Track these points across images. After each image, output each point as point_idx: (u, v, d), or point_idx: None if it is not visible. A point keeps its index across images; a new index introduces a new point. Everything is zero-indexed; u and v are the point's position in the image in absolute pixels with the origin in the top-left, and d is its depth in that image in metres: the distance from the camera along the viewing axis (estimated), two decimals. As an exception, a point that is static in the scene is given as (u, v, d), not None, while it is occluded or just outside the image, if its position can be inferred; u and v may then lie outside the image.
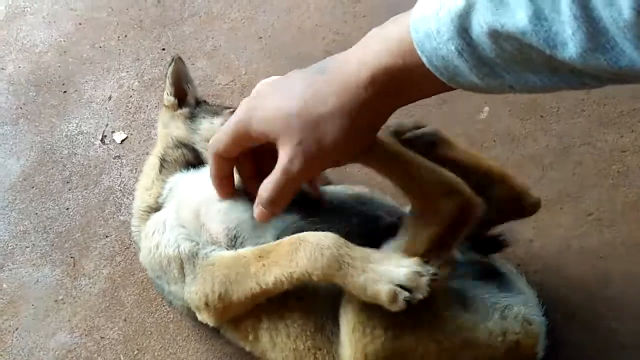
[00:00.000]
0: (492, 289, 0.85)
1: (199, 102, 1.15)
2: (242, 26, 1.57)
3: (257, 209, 0.79)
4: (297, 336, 0.84)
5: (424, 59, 0.60)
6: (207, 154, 0.87)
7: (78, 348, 1.08)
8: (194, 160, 1.01)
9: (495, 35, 0.53)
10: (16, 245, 1.24)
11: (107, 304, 1.12)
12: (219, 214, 0.88)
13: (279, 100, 0.73)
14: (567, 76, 0.54)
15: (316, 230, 0.82)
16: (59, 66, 1.58)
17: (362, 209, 0.90)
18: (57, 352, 1.08)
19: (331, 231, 0.82)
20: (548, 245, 1.06)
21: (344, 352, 0.79)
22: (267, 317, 0.85)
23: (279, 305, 0.84)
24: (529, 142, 1.21)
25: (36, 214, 1.28)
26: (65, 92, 1.52)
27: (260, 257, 0.80)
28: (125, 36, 1.61)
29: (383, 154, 0.79)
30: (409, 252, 0.76)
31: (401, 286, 0.70)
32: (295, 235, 0.79)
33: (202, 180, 0.94)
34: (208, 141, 0.91)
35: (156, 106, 1.44)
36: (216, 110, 1.11)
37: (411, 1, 0.64)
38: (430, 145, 0.87)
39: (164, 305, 1.10)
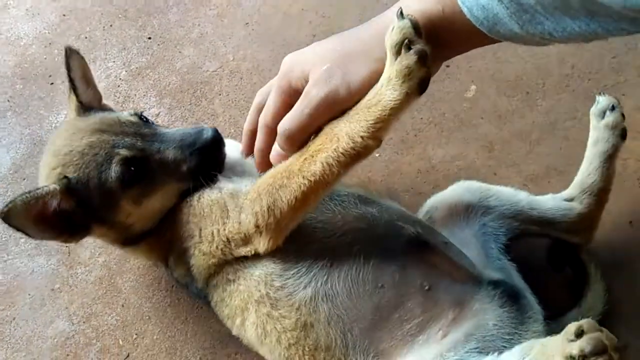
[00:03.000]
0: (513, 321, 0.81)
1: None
2: (228, 12, 1.57)
3: (274, 148, 0.79)
4: (289, 346, 0.81)
5: (465, 9, 0.61)
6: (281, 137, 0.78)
7: (76, 335, 1.09)
8: None
9: None
10: (10, 236, 1.23)
11: (104, 291, 1.13)
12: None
13: (319, 45, 0.76)
14: (605, 21, 0.54)
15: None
16: (45, 58, 1.57)
17: (369, 210, 0.86)
18: (55, 340, 1.08)
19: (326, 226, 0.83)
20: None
21: None
22: (255, 311, 0.82)
23: (269, 305, 0.81)
24: (516, 118, 1.23)
25: (28, 205, 1.28)
26: (52, 83, 1.51)
27: (300, 155, 0.76)
28: (111, 26, 1.61)
29: None
30: None
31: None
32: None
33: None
34: None
35: (144, 95, 1.44)
36: None
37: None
38: None
39: (161, 290, 1.11)
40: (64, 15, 1.65)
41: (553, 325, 0.86)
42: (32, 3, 1.68)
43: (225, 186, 0.86)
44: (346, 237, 0.82)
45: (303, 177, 0.74)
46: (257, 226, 0.79)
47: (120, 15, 1.61)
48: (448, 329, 0.78)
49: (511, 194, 0.98)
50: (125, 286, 1.13)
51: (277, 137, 0.77)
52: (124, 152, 0.84)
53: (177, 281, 0.97)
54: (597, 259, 0.99)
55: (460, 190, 0.99)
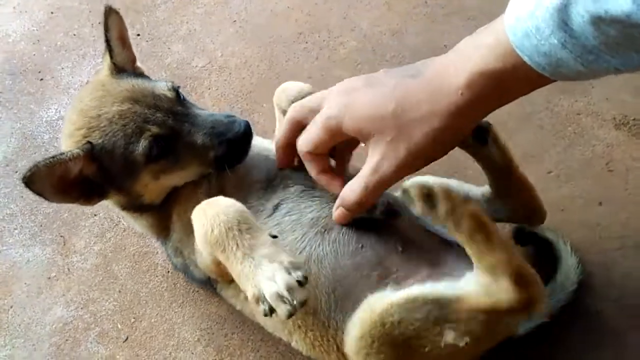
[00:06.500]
0: None
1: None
2: (215, 10, 1.61)
3: (339, 211, 0.82)
4: None
5: (526, 58, 0.62)
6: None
7: (75, 320, 1.11)
8: None
9: (598, 22, 0.56)
10: (4, 227, 1.26)
11: (101, 278, 1.16)
12: None
13: (373, 98, 0.74)
14: None
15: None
16: (34, 54, 1.59)
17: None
18: (54, 326, 1.11)
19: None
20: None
21: (348, 350, 0.82)
22: None
23: None
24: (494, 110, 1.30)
25: (22, 197, 1.30)
26: (42, 79, 1.53)
27: None
28: (99, 23, 1.60)
29: (470, 219, 0.76)
30: (466, 302, 0.76)
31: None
32: (209, 200, 0.79)
33: None
34: None
35: (135, 90, 1.47)
36: None
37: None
38: (483, 136, 0.90)
39: (157, 276, 1.15)
40: (52, 12, 1.68)
41: None
42: (20, 1, 1.70)
43: None
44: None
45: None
46: (210, 271, 0.90)
47: (108, 13, 1.64)
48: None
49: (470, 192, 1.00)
50: (122, 273, 1.16)
51: (343, 202, 0.81)
52: (154, 128, 0.84)
53: (175, 266, 1.01)
54: (569, 237, 1.06)
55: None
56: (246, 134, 0.88)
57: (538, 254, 1.06)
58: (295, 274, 0.69)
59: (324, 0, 1.57)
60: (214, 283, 0.97)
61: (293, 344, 0.91)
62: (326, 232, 0.86)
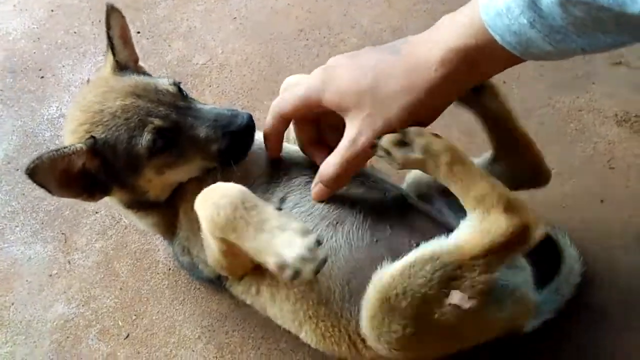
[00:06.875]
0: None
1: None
2: (215, 7, 1.61)
3: (317, 187, 0.83)
4: (296, 301, 0.86)
5: (497, 37, 0.65)
6: (269, 112, 0.86)
7: (76, 317, 1.11)
8: None
9: (565, 3, 0.58)
10: (5, 225, 1.26)
11: (102, 275, 1.16)
12: None
13: (353, 73, 0.77)
14: (636, 32, 0.58)
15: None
16: (34, 52, 1.59)
17: (367, 179, 0.92)
18: (55, 323, 1.11)
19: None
20: (515, 198, 1.15)
21: (364, 332, 0.81)
22: (269, 273, 0.86)
23: None
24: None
25: (23, 194, 1.30)
26: (42, 77, 1.53)
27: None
28: (99, 21, 1.63)
29: (447, 152, 0.76)
30: (464, 249, 0.75)
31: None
32: (209, 187, 0.79)
33: None
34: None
35: (136, 87, 1.47)
36: None
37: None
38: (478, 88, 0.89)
39: (158, 274, 1.15)
40: (52, 10, 1.67)
41: (543, 295, 0.96)
42: (20, -1, 1.70)
43: None
44: (349, 199, 0.88)
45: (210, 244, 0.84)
46: (218, 267, 0.90)
47: (109, 11, 1.64)
48: None
49: None
50: (123, 270, 1.16)
51: (321, 178, 0.83)
52: (157, 121, 0.83)
53: (181, 264, 1.01)
54: (571, 235, 1.06)
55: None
56: (249, 127, 0.88)
57: (538, 250, 1.06)
58: (310, 236, 0.71)
59: (325, -3, 1.57)
60: (224, 280, 0.96)
61: (302, 335, 0.91)
62: (338, 224, 0.86)
